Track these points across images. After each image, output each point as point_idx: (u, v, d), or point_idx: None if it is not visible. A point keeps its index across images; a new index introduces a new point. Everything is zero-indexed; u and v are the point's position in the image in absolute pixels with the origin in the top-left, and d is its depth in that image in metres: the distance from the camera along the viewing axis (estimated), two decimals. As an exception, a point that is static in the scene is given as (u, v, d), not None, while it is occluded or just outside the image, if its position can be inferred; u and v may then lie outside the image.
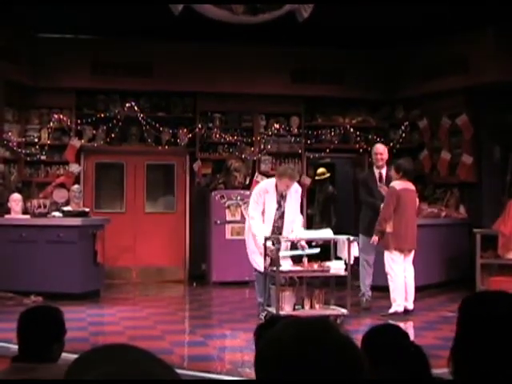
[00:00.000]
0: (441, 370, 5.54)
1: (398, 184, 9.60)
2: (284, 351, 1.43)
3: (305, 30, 11.11)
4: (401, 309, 9.45)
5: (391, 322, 7.62)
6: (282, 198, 9.33)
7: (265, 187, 9.44)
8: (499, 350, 2.14)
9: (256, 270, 9.37)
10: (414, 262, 9.98)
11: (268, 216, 9.27)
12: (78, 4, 10.97)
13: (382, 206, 9.72)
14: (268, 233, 9.18)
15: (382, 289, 10.47)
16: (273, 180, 9.50)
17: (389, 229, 9.52)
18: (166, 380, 1.30)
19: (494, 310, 2.21)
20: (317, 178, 13.99)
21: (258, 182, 11.56)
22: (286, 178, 9.23)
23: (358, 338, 1.50)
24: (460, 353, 2.23)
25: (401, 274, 9.55)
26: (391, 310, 9.46)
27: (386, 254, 9.63)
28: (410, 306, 9.64)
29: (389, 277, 9.60)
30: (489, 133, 12.94)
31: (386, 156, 10.50)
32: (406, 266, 9.69)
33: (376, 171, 10.53)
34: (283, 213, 9.32)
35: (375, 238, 9.65)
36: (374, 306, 10.39)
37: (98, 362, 1.31)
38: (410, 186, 9.73)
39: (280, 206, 9.32)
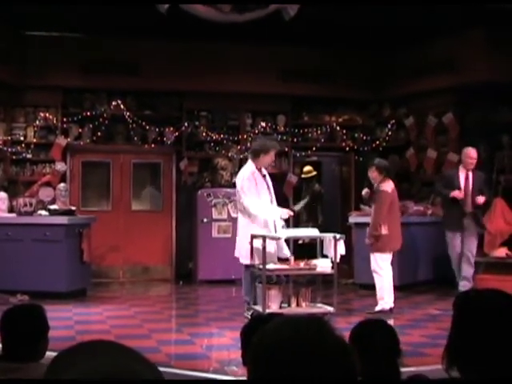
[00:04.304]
0: (426, 368, 5.59)
1: (388, 186, 9.60)
2: (279, 350, 1.42)
3: (292, 29, 11.10)
4: (387, 307, 9.46)
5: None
6: (264, 177, 9.16)
7: (249, 171, 9.15)
8: (496, 345, 2.14)
9: (246, 265, 9.13)
10: (400, 260, 9.98)
11: (263, 197, 9.09)
12: (65, 3, 10.94)
13: (373, 209, 9.71)
14: (271, 210, 9.06)
15: (367, 287, 10.51)
16: (249, 165, 9.27)
17: (384, 231, 9.50)
18: (149, 380, 1.30)
19: (491, 306, 2.22)
20: (303, 176, 14.01)
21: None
22: (272, 152, 9.06)
23: (346, 336, 1.51)
24: (456, 350, 2.22)
25: (390, 272, 9.55)
26: (377, 308, 9.46)
27: (377, 254, 9.62)
28: (392, 304, 9.67)
29: (376, 275, 9.59)
30: (475, 131, 12.96)
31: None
32: None
33: (463, 171, 10.84)
34: (270, 192, 9.20)
35: (370, 242, 9.63)
36: (360, 305, 10.42)
37: (80, 359, 1.31)
38: (393, 185, 9.75)
39: (268, 185, 9.18)
